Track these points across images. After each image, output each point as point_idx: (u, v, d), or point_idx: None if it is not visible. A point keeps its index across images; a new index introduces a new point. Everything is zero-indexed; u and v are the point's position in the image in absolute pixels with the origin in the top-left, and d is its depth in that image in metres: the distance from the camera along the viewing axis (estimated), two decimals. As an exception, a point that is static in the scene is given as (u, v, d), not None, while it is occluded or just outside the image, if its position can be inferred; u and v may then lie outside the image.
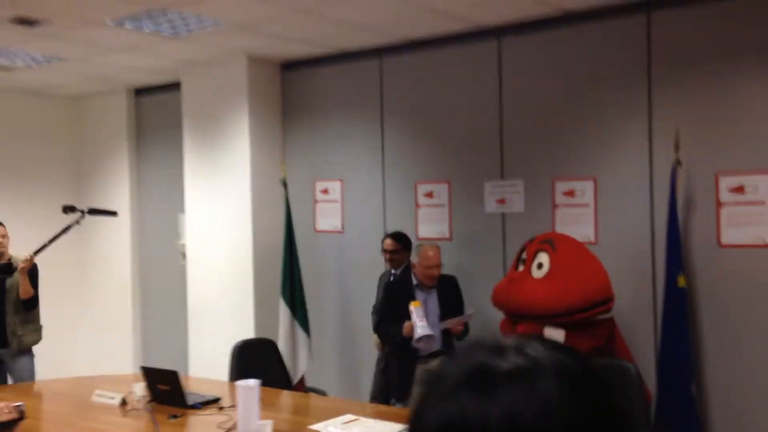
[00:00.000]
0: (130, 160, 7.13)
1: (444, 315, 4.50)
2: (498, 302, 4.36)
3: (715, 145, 4.23)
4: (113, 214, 4.46)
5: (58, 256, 7.02)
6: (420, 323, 4.29)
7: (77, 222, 4.04)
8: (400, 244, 5.07)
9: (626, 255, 4.51)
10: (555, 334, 4.12)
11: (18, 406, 2.53)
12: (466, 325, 4.52)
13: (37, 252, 4.38)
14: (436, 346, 4.48)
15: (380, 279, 5.18)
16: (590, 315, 4.07)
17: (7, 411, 2.50)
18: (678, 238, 4.16)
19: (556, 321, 4.11)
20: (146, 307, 7.15)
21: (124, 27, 4.91)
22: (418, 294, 4.55)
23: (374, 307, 5.13)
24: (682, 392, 4.06)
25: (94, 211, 4.23)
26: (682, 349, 4.09)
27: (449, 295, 4.58)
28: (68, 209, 4.22)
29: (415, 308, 4.36)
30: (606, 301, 4.10)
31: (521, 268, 4.29)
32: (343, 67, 5.78)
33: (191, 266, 6.36)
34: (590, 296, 4.05)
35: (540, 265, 4.20)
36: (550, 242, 4.26)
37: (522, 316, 4.25)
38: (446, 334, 4.50)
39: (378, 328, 4.73)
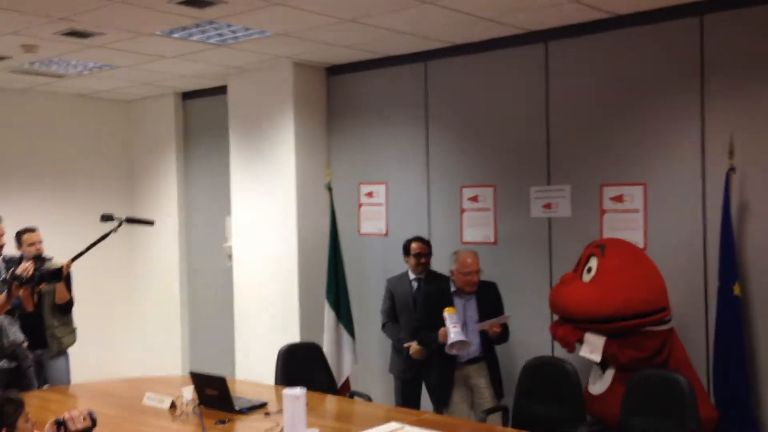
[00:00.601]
0: (177, 163, 7.26)
1: (483, 321, 4.46)
2: (550, 304, 4.37)
3: (770, 151, 4.11)
4: (150, 223, 4.54)
5: (108, 258, 7.21)
6: (453, 329, 4.27)
7: (114, 230, 4.12)
8: (428, 247, 5.03)
9: (677, 262, 4.41)
10: (595, 340, 4.07)
11: (91, 413, 2.60)
12: (505, 328, 4.48)
13: (74, 259, 4.49)
14: (474, 351, 4.46)
15: (390, 281, 5.10)
16: (634, 325, 3.98)
17: (82, 419, 2.57)
18: (733, 246, 4.06)
19: (599, 327, 4.05)
20: (194, 309, 7.28)
21: (172, 37, 4.99)
22: (457, 301, 4.51)
23: (382, 309, 5.11)
24: (739, 402, 3.96)
25: (132, 220, 4.30)
26: (738, 359, 3.98)
27: (489, 302, 4.53)
28: (106, 218, 4.31)
29: (449, 314, 4.32)
30: (654, 312, 3.99)
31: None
32: (388, 71, 5.78)
33: (237, 269, 6.44)
34: (633, 305, 3.96)
35: (589, 270, 4.17)
36: (602, 247, 4.21)
37: (568, 320, 4.20)
38: (485, 338, 4.47)
39: (415, 333, 4.70)
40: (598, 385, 4.09)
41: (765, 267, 4.11)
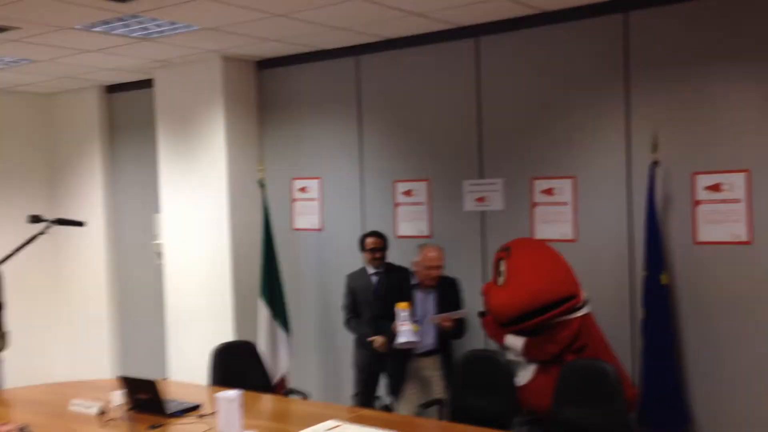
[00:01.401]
0: (103, 159, 7.02)
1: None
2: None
3: (692, 145, 4.25)
4: (80, 224, 4.35)
5: (31, 258, 6.92)
6: (402, 327, 4.30)
7: (43, 232, 3.96)
8: (383, 241, 5.05)
9: (605, 253, 4.54)
10: (515, 341, 4.21)
11: (23, 428, 2.47)
12: (460, 324, 4.51)
13: (1, 261, 4.30)
14: (429, 344, 4.52)
15: (350, 277, 5.11)
16: (545, 319, 4.09)
17: None
18: (659, 237, 4.20)
19: (517, 328, 4.17)
20: (123, 308, 7.07)
21: (92, 31, 4.81)
22: (417, 294, 4.56)
23: (343, 305, 5.09)
24: (668, 388, 4.11)
25: (61, 221, 4.13)
26: (666, 346, 4.13)
27: (448, 297, 4.57)
28: (34, 219, 4.13)
29: (400, 310, 4.35)
30: (562, 301, 4.10)
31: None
32: (320, 65, 5.73)
33: (168, 267, 6.29)
34: (539, 298, 4.08)
35: (500, 273, 4.30)
36: (508, 249, 4.34)
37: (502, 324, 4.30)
38: (440, 331, 4.51)
39: (372, 323, 4.73)
40: (522, 375, 4.21)
41: (688, 257, 4.27)
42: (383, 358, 4.78)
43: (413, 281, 4.60)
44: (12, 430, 2.44)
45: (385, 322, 4.57)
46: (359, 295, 5.00)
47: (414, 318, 4.42)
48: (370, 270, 5.03)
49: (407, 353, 4.50)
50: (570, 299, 4.12)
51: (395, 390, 4.60)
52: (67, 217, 4.48)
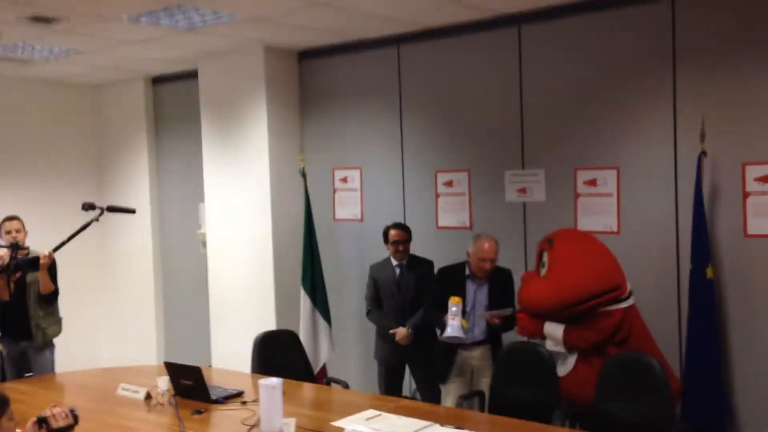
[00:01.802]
0: (149, 149, 7.16)
1: (491, 308, 4.48)
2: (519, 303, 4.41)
3: (741, 135, 4.14)
4: (132, 211, 4.44)
5: (80, 247, 7.08)
6: (451, 321, 4.28)
7: (96, 219, 4.04)
8: (407, 233, 4.99)
9: (649, 246, 4.45)
10: (554, 329, 4.15)
11: (73, 410, 2.55)
12: (509, 319, 4.46)
13: (56, 249, 4.42)
14: (479, 335, 4.50)
15: (374, 268, 5.05)
16: (588, 307, 4.03)
17: (64, 416, 2.52)
18: (705, 229, 4.11)
19: (556, 317, 4.12)
20: (168, 296, 7.21)
21: (139, 22, 4.88)
22: (469, 285, 4.53)
23: (366, 296, 5.06)
24: (711, 383, 4.04)
25: (113, 209, 4.21)
26: (711, 340, 4.05)
27: (500, 289, 4.53)
28: (88, 206, 4.22)
29: (452, 304, 4.30)
30: (606, 291, 4.04)
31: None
32: (361, 56, 5.73)
33: (212, 256, 6.39)
34: (584, 289, 4.02)
35: (543, 264, 4.26)
36: (550, 241, 4.28)
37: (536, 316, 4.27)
38: (489, 325, 4.50)
39: (429, 314, 4.69)
40: (562, 367, 4.17)
41: (736, 250, 4.17)
42: (405, 350, 4.77)
43: (467, 272, 4.55)
44: (62, 412, 2.51)
45: (408, 315, 4.55)
46: (382, 286, 4.96)
47: (465, 313, 4.39)
48: (394, 262, 4.98)
49: (455, 344, 4.49)
50: (613, 290, 4.06)
51: (442, 376, 4.58)
52: (126, 207, 4.56)
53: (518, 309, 4.42)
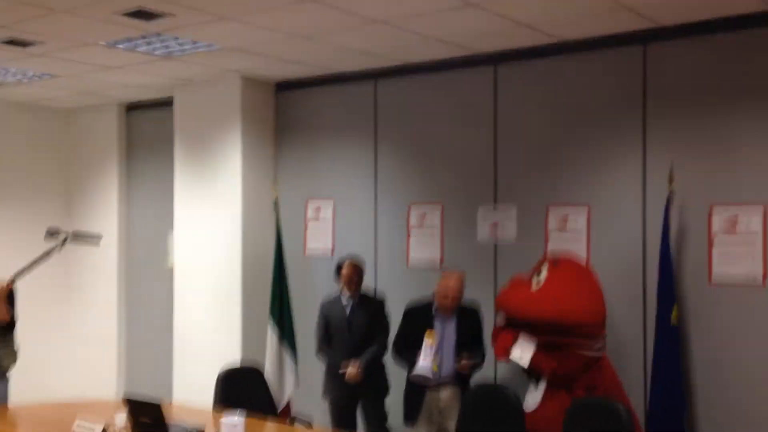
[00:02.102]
0: (119, 176, 7.05)
1: (460, 345, 4.43)
2: (496, 301, 4.55)
3: (708, 178, 4.20)
4: (98, 239, 4.31)
5: (43, 273, 6.92)
6: (423, 360, 4.25)
7: (61, 246, 3.93)
8: (360, 269, 4.90)
9: (617, 284, 4.45)
10: (527, 344, 4.17)
11: None
12: (478, 365, 4.48)
13: (16, 275, 4.28)
14: (447, 375, 4.44)
15: (324, 306, 4.93)
16: (565, 343, 4.05)
17: None
18: (671, 273, 4.12)
19: (534, 333, 4.15)
20: (132, 328, 7.04)
21: (116, 48, 4.85)
22: (437, 322, 4.49)
23: (316, 333, 4.93)
24: (674, 427, 4.00)
25: (78, 236, 4.09)
26: (674, 389, 4.02)
27: (468, 327, 4.51)
28: (52, 232, 4.11)
29: (427, 340, 4.30)
30: (580, 329, 4.06)
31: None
32: (338, 89, 5.74)
33: (179, 286, 6.28)
34: (570, 316, 4.06)
35: (539, 274, 4.32)
36: (556, 260, 4.36)
37: (509, 320, 4.35)
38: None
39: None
40: (530, 400, 4.16)
41: (701, 291, 4.19)
42: (356, 388, 4.69)
43: (434, 309, 4.52)
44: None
45: (358, 353, 4.60)
46: (333, 324, 4.86)
47: (438, 351, 4.36)
48: (344, 300, 4.88)
49: (422, 385, 4.43)
50: (596, 326, 4.13)
51: (409, 417, 4.51)
52: (91, 234, 4.41)
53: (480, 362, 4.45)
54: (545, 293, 4.19)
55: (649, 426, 4.11)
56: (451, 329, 4.49)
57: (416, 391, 4.46)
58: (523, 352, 4.15)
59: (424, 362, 4.24)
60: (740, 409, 4.07)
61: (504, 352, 4.29)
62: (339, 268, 4.91)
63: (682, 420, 4.02)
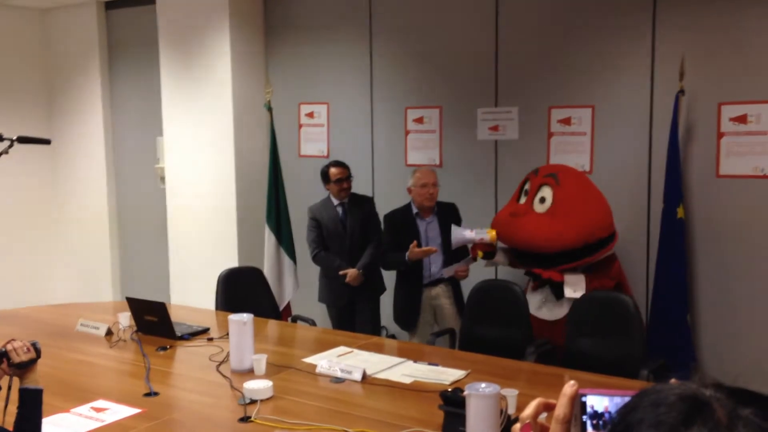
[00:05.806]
0: (102, 78, 6.76)
1: (446, 243, 4.40)
2: (501, 235, 4.21)
3: (719, 75, 4.10)
4: (46, 142, 4.00)
5: (30, 184, 6.79)
6: (470, 234, 4.22)
7: (5, 151, 3.69)
8: (349, 170, 4.75)
9: (622, 185, 4.43)
10: (576, 280, 4.03)
11: (35, 344, 2.36)
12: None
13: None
14: (437, 273, 4.47)
15: (313, 210, 4.79)
16: (598, 255, 4.01)
17: (26, 350, 2.32)
18: (678, 169, 4.08)
19: (569, 266, 4.01)
20: (124, 233, 6.95)
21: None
22: (419, 223, 4.47)
23: (309, 239, 4.80)
24: (677, 322, 4.07)
25: (24, 140, 3.79)
26: (678, 281, 4.06)
27: (449, 223, 4.43)
28: None
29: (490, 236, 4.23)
30: (610, 237, 4.04)
31: (523, 199, 4.18)
32: (330, -16, 5.48)
33: (171, 191, 6.17)
34: (596, 233, 3.98)
35: (543, 200, 4.08)
36: (555, 176, 4.12)
37: (525, 254, 4.17)
38: (448, 257, 4.44)
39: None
40: (555, 311, 4.07)
41: (708, 189, 4.17)
42: (354, 290, 4.68)
43: (414, 210, 4.47)
44: (23, 346, 2.34)
45: (356, 254, 4.55)
46: (326, 227, 4.75)
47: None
48: (335, 201, 4.76)
49: (419, 284, 4.44)
50: (613, 235, 4.09)
51: (409, 323, 4.54)
52: (39, 137, 4.05)
53: (471, 257, 4.40)
54: (561, 217, 3.96)
55: (652, 315, 4.16)
56: (434, 228, 4.48)
57: (413, 294, 4.48)
58: (576, 287, 3.99)
59: (470, 234, 4.22)
60: (740, 296, 4.12)
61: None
62: (326, 172, 4.76)
63: (684, 312, 4.08)
